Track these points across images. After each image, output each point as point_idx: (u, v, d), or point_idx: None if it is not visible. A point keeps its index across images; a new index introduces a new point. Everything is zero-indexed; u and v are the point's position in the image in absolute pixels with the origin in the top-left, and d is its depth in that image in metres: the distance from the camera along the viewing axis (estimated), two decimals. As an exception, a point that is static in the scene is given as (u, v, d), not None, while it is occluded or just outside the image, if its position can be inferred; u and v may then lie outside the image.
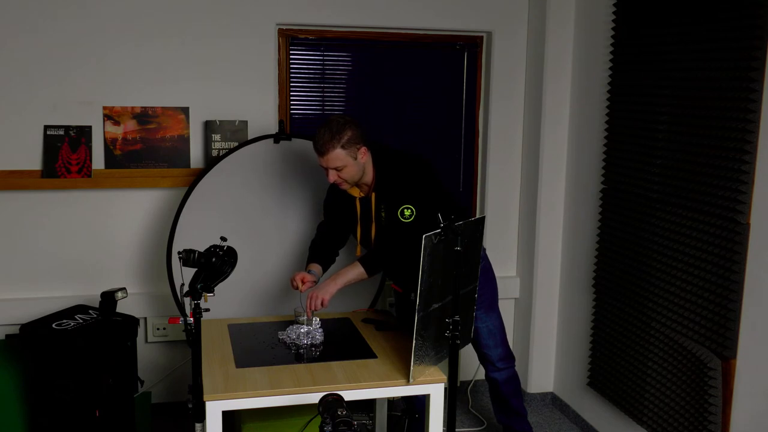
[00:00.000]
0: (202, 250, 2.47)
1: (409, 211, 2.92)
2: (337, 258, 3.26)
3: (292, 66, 3.88)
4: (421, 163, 2.99)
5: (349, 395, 2.46)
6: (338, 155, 2.84)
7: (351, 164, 2.87)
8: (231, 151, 3.59)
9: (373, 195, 2.99)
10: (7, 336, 3.44)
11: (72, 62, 3.54)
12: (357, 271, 2.96)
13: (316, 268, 3.14)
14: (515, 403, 3.45)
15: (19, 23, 3.46)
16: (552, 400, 4.17)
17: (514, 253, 4.22)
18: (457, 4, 3.92)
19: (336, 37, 3.89)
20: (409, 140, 4.08)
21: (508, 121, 4.11)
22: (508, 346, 3.40)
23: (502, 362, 3.36)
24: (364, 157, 2.91)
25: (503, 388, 3.41)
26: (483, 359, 3.40)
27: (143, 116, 3.65)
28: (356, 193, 3.01)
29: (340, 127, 2.84)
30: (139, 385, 3.45)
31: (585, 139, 3.77)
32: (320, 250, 3.20)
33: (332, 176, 2.89)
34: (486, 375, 3.45)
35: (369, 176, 2.99)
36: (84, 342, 3.15)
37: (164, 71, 3.64)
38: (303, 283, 3.01)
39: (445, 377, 2.63)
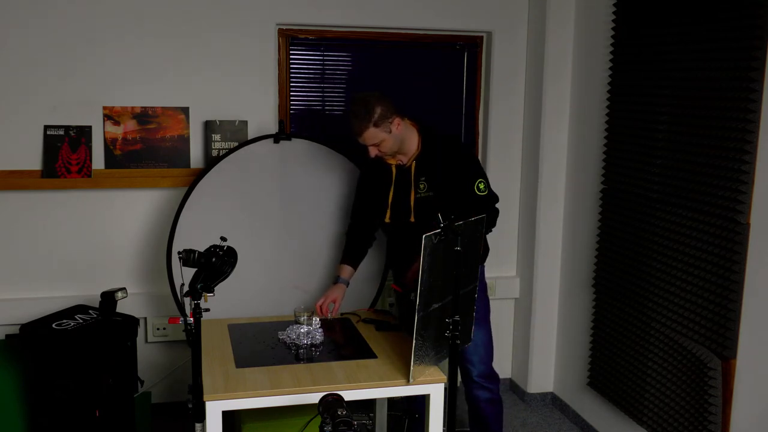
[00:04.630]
0: (202, 250, 2.47)
1: (483, 185, 3.03)
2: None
3: (292, 66, 3.88)
4: (466, 144, 3.09)
5: (349, 395, 2.46)
6: (373, 133, 2.94)
7: (387, 138, 2.97)
8: (231, 151, 3.59)
9: (413, 164, 3.06)
10: (7, 336, 3.43)
11: (72, 62, 3.53)
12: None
13: (346, 272, 3.24)
14: (496, 429, 3.27)
15: (19, 23, 3.46)
16: (552, 400, 4.17)
17: (514, 253, 4.22)
18: (457, 4, 3.92)
19: (336, 37, 3.89)
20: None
21: (508, 121, 4.11)
22: (492, 366, 3.22)
23: (482, 379, 3.18)
24: (399, 127, 2.99)
25: (484, 407, 3.22)
26: (464, 375, 3.22)
27: (143, 116, 3.65)
28: (393, 161, 3.10)
29: (369, 106, 2.92)
30: (139, 385, 3.45)
31: (585, 139, 3.77)
32: (353, 245, 3.30)
33: (372, 151, 3.01)
34: (466, 395, 3.27)
35: (409, 145, 3.07)
36: (84, 342, 3.14)
37: (164, 71, 3.64)
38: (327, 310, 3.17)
39: (445, 377, 2.63)
